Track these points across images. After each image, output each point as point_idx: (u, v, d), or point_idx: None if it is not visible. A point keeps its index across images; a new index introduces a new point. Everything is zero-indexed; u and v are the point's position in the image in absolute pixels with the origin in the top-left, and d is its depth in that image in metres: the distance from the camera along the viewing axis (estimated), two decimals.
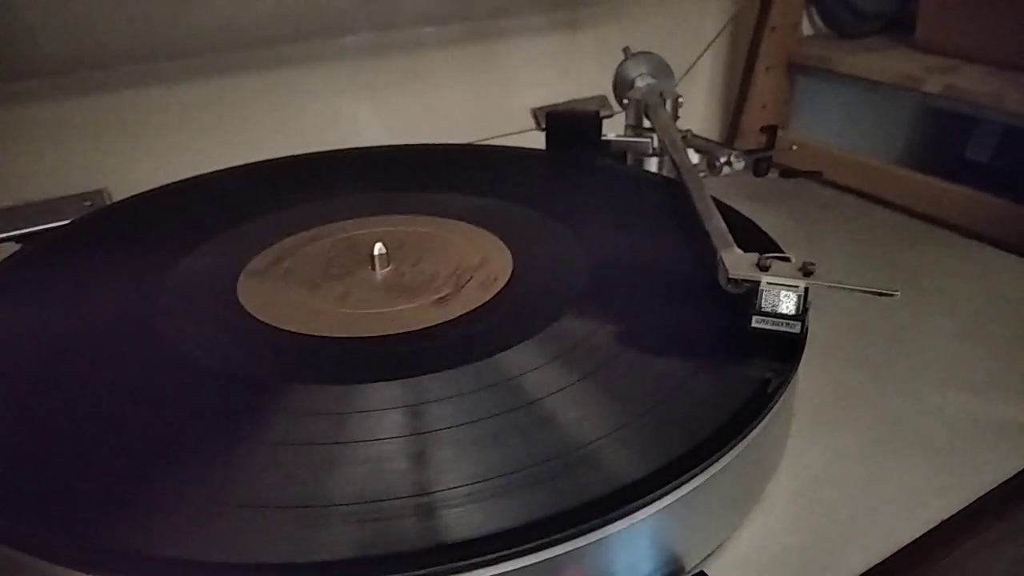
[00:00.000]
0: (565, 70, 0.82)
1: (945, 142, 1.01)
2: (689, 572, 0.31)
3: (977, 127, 0.94)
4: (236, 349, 0.37)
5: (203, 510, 0.28)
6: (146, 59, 0.62)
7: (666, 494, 0.28)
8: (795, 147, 0.58)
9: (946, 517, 0.34)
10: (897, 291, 0.34)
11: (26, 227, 0.55)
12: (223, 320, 0.39)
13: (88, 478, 0.29)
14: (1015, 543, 0.35)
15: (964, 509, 0.34)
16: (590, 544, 0.27)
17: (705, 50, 0.93)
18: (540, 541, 0.26)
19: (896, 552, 0.32)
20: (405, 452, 0.30)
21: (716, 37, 0.93)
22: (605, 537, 0.27)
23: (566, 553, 0.27)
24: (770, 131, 0.61)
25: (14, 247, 0.53)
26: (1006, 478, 0.36)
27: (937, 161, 0.97)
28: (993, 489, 0.35)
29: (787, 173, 0.68)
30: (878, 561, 0.32)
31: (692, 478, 0.29)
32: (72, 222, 0.53)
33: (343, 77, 0.71)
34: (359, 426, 0.31)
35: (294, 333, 0.38)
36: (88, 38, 0.58)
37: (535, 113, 0.74)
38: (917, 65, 0.85)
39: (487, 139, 0.77)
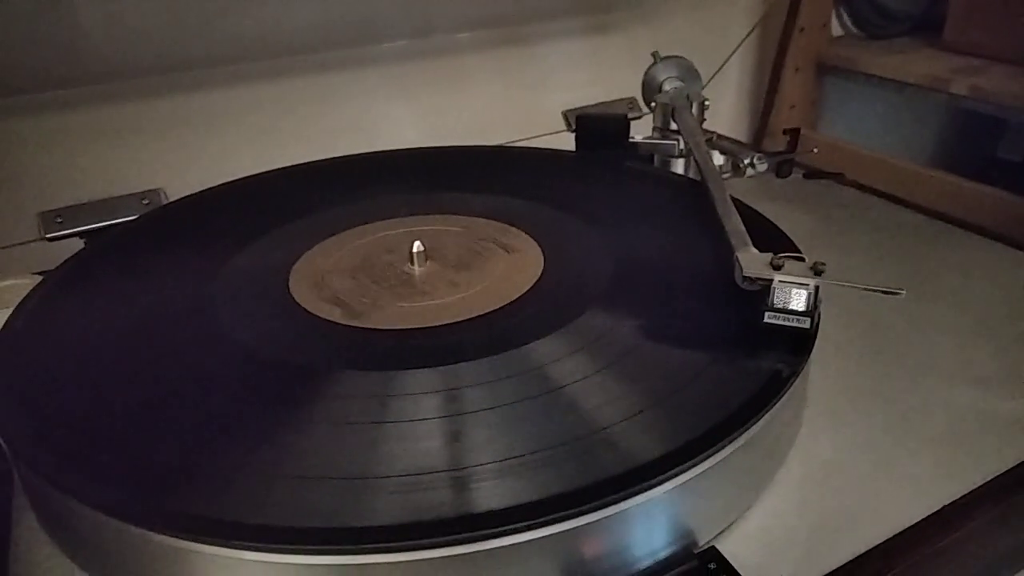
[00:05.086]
0: (596, 73, 0.84)
1: (975, 143, 1.02)
2: (701, 547, 0.33)
3: (1008, 127, 0.94)
4: (289, 338, 0.40)
5: (263, 482, 0.31)
6: (198, 65, 0.66)
7: (680, 473, 0.31)
8: (816, 150, 0.60)
9: (945, 503, 0.36)
10: (903, 290, 0.37)
11: (89, 224, 0.59)
12: (277, 312, 0.43)
13: (160, 454, 0.33)
14: (1009, 529, 0.37)
15: (962, 497, 0.36)
16: (609, 517, 0.30)
17: (734, 51, 0.95)
18: (562, 513, 0.29)
19: (896, 534, 0.35)
20: (442, 432, 0.33)
21: (745, 39, 0.95)
22: (622, 511, 0.30)
23: (587, 525, 0.29)
24: (793, 133, 0.63)
25: (78, 244, 0.57)
26: (1005, 469, 0.38)
27: (967, 162, 0.97)
28: (991, 479, 0.37)
29: (810, 174, 0.69)
30: (879, 542, 0.34)
31: (705, 459, 0.32)
32: (132, 220, 0.57)
33: (382, 82, 0.74)
34: (401, 408, 0.34)
35: (341, 324, 0.41)
36: (144, 45, 0.62)
37: (566, 115, 0.77)
38: (944, 66, 0.86)
39: (519, 140, 0.79)
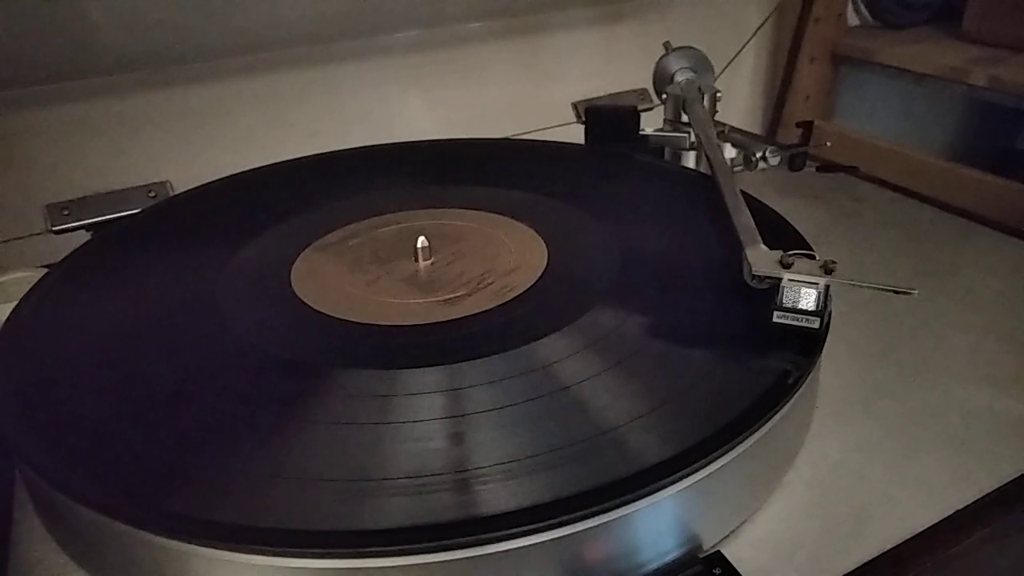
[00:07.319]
0: (607, 63, 0.84)
1: (993, 135, 1.00)
2: (706, 552, 0.33)
3: None
4: (290, 334, 0.40)
5: (264, 483, 0.31)
6: (206, 57, 0.65)
7: (686, 476, 0.30)
8: (829, 143, 0.59)
9: (959, 508, 0.35)
10: (915, 290, 0.36)
11: (95, 216, 0.58)
12: (279, 307, 0.42)
13: (161, 454, 0.33)
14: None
15: (976, 501, 0.36)
16: (613, 521, 0.29)
17: (748, 41, 0.94)
18: (566, 517, 0.28)
19: (907, 540, 0.34)
20: (445, 433, 0.33)
21: (759, 28, 0.94)
22: (628, 515, 0.29)
23: (591, 528, 0.29)
24: (806, 126, 0.62)
25: (84, 236, 0.57)
26: (1020, 472, 0.37)
27: (984, 154, 0.96)
28: (1006, 483, 0.37)
29: (824, 167, 0.68)
30: (889, 547, 0.34)
31: (711, 462, 0.31)
32: (138, 213, 0.56)
33: (392, 72, 0.73)
34: (403, 408, 0.34)
35: (344, 320, 0.40)
36: (152, 37, 0.62)
37: (576, 107, 0.76)
38: (962, 57, 0.84)
39: (530, 131, 0.79)
